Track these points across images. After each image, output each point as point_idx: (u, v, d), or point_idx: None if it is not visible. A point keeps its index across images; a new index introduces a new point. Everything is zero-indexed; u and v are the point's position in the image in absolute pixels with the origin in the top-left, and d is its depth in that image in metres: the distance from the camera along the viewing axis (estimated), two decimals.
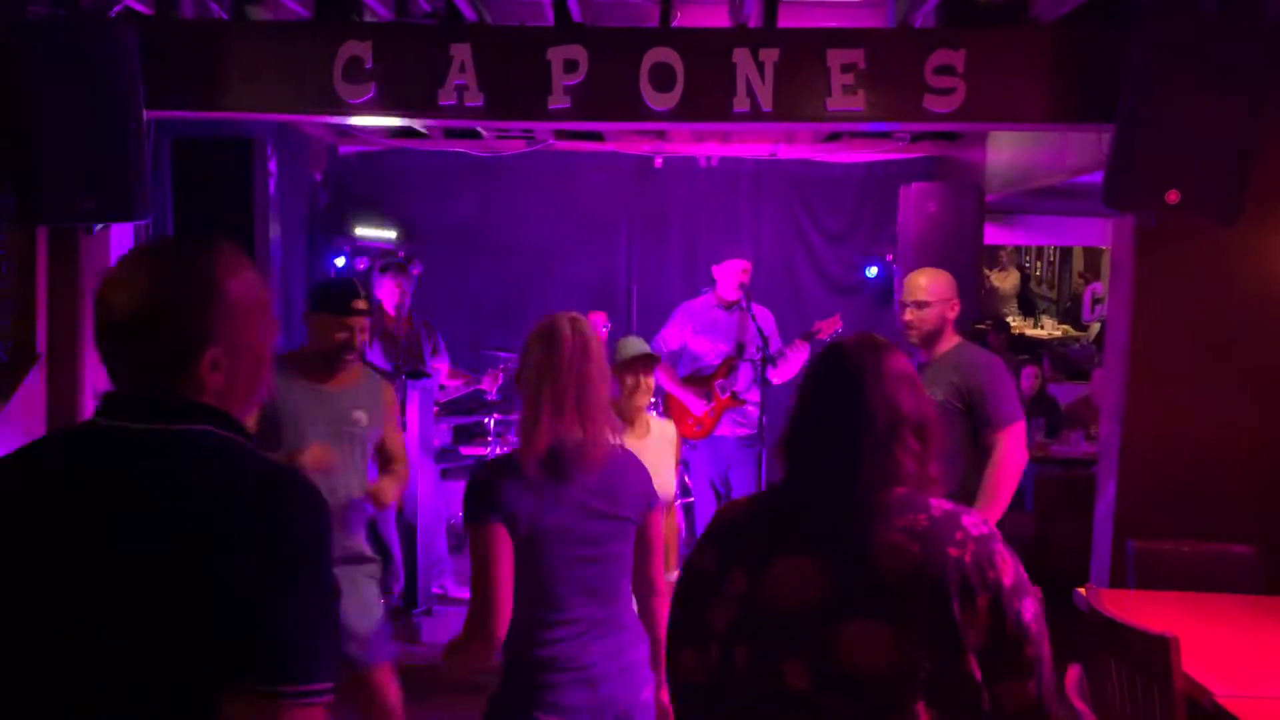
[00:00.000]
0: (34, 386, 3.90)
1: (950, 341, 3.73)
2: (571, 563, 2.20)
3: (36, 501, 1.27)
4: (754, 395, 5.29)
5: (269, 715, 1.19)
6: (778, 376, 5.23)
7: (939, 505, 1.70)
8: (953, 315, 3.74)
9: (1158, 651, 2.55)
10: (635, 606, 2.38)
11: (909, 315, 3.73)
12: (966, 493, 3.47)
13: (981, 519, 1.71)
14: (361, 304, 3.20)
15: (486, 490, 2.16)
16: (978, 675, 1.62)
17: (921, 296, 3.70)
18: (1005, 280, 10.93)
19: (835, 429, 1.74)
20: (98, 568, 1.22)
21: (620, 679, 2.23)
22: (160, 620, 1.21)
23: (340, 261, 6.12)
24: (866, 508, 1.68)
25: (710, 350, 5.48)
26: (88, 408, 3.99)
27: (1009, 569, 1.65)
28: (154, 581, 1.21)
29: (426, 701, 3.58)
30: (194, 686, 1.20)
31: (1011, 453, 3.54)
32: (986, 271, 10.18)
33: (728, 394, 5.39)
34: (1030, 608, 1.65)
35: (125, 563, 1.22)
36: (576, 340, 2.22)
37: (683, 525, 6.53)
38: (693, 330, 5.51)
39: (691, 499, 5.98)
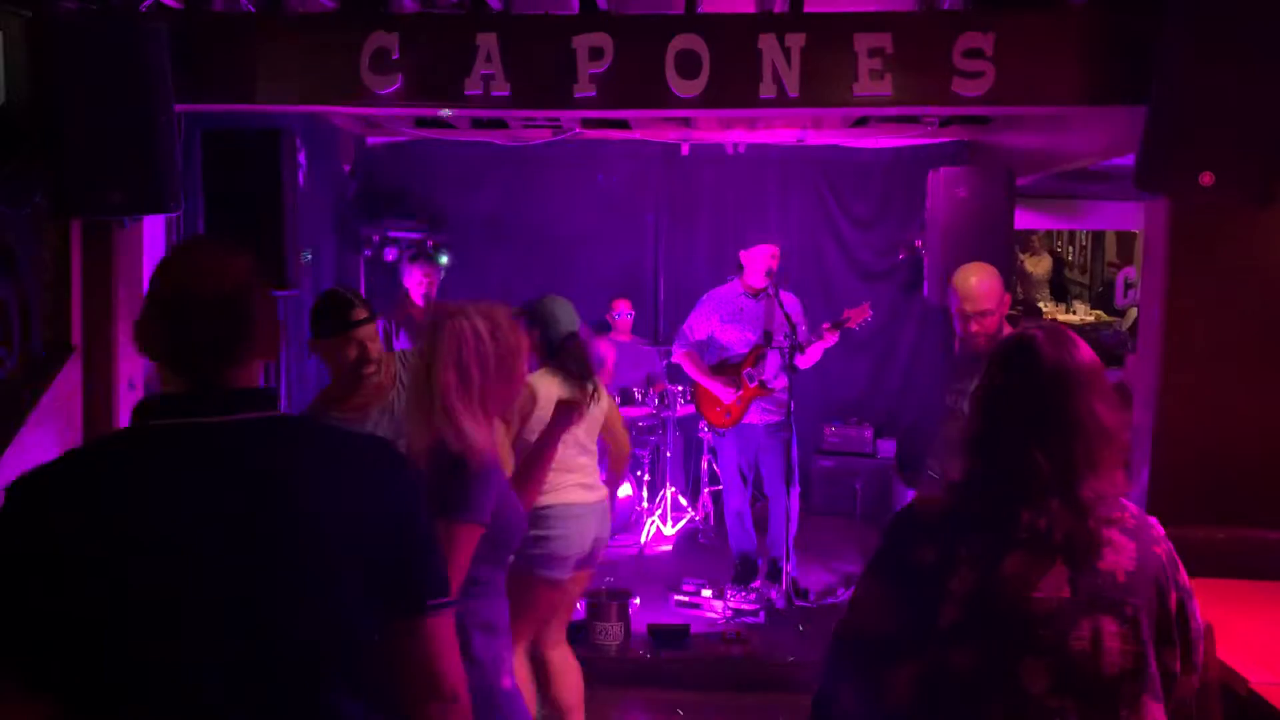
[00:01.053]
0: (70, 379, 3.95)
1: (1004, 334, 3.72)
2: None
3: (210, 489, 1.36)
4: (781, 382, 5.28)
5: (426, 629, 1.47)
6: (805, 363, 5.22)
7: (1128, 504, 1.77)
8: (1006, 310, 3.75)
9: None
10: None
11: (974, 326, 3.74)
12: None
13: (1156, 520, 1.80)
14: (360, 312, 3.10)
15: None
16: (1179, 668, 1.72)
17: (985, 305, 3.71)
18: (1038, 265, 10.83)
19: (1053, 426, 1.71)
20: (280, 540, 1.37)
21: None
22: (335, 576, 1.39)
23: (369, 253, 6.16)
24: (1089, 506, 1.71)
25: (738, 338, 5.46)
26: (122, 400, 4.04)
27: (1183, 569, 1.76)
28: (330, 545, 1.39)
29: None
30: (359, 627, 1.41)
31: None
32: (1020, 256, 10.09)
33: (756, 382, 5.38)
34: (1198, 609, 1.77)
35: (308, 532, 1.39)
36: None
37: (712, 512, 6.54)
38: (720, 319, 5.50)
39: (720, 486, 5.99)
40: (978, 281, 3.76)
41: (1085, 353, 1.77)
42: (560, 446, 3.01)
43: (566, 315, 3.58)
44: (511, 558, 2.44)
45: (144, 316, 1.45)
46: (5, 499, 1.33)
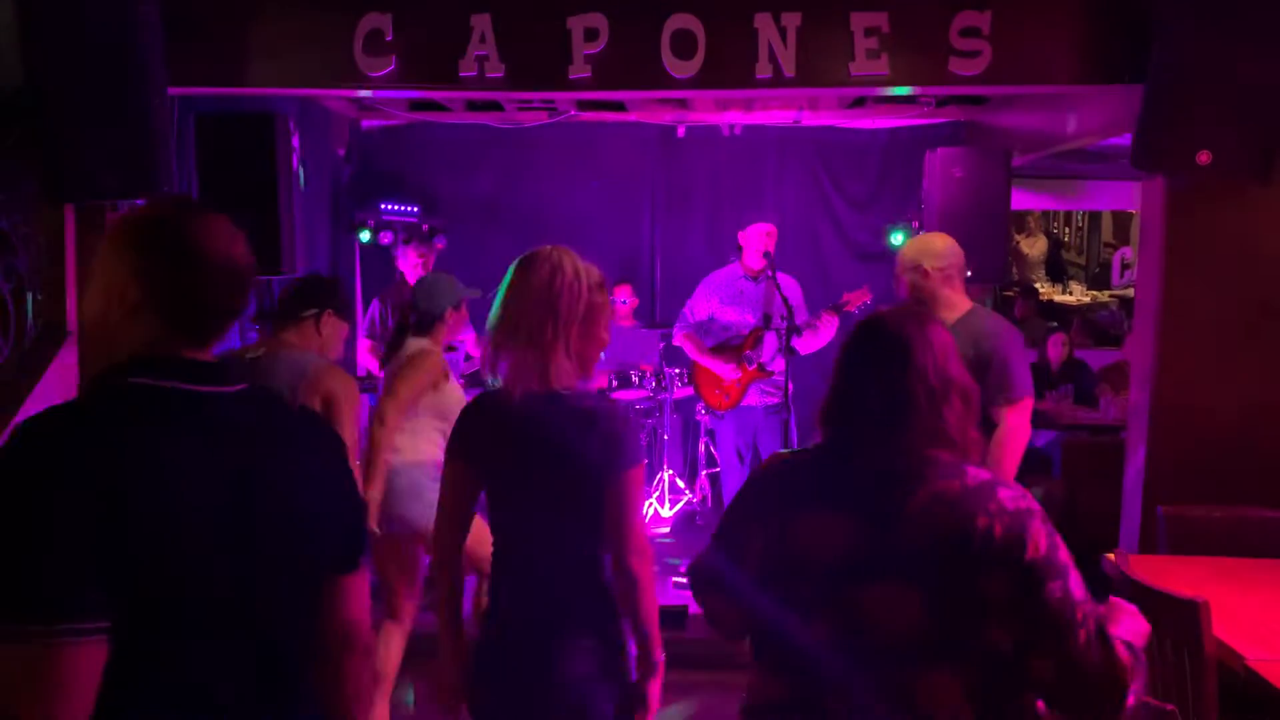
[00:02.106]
0: (66, 364, 3.94)
1: (961, 308, 3.58)
2: None
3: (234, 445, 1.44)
4: (780, 365, 5.29)
5: (355, 586, 1.61)
6: (804, 347, 5.21)
7: (975, 474, 1.71)
8: (954, 281, 3.60)
9: (1188, 616, 2.54)
10: None
11: (907, 281, 3.62)
12: None
13: (1022, 492, 1.71)
14: None
15: None
16: (1004, 646, 1.64)
17: (921, 263, 3.57)
18: (1033, 246, 10.83)
19: (885, 392, 1.75)
20: (289, 496, 1.48)
21: None
22: (308, 537, 1.51)
23: (365, 236, 6.14)
24: (907, 470, 1.71)
25: (737, 320, 5.46)
26: None
27: (1041, 546, 1.64)
28: (312, 499, 1.52)
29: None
30: (314, 582, 1.55)
31: (1019, 430, 3.42)
32: (1016, 237, 10.08)
33: (754, 364, 5.39)
34: (1057, 589, 1.63)
35: (304, 489, 1.51)
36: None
37: (709, 495, 6.55)
38: (720, 300, 5.50)
39: (718, 469, 5.99)
40: (917, 242, 3.72)
41: (938, 328, 1.82)
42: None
43: (447, 292, 3.64)
44: None
45: (154, 266, 1.44)
46: (23, 446, 1.33)
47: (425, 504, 3.29)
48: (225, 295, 1.48)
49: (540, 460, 2.12)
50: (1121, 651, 1.65)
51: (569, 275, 2.17)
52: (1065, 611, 1.63)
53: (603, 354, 2.35)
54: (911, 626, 1.65)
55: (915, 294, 3.61)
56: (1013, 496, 1.68)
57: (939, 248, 3.62)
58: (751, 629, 1.90)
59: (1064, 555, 1.67)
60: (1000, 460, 3.38)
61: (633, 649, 2.18)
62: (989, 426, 3.38)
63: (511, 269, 2.25)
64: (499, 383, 2.18)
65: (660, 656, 2.17)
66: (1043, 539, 1.65)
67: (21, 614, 1.24)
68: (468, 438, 2.22)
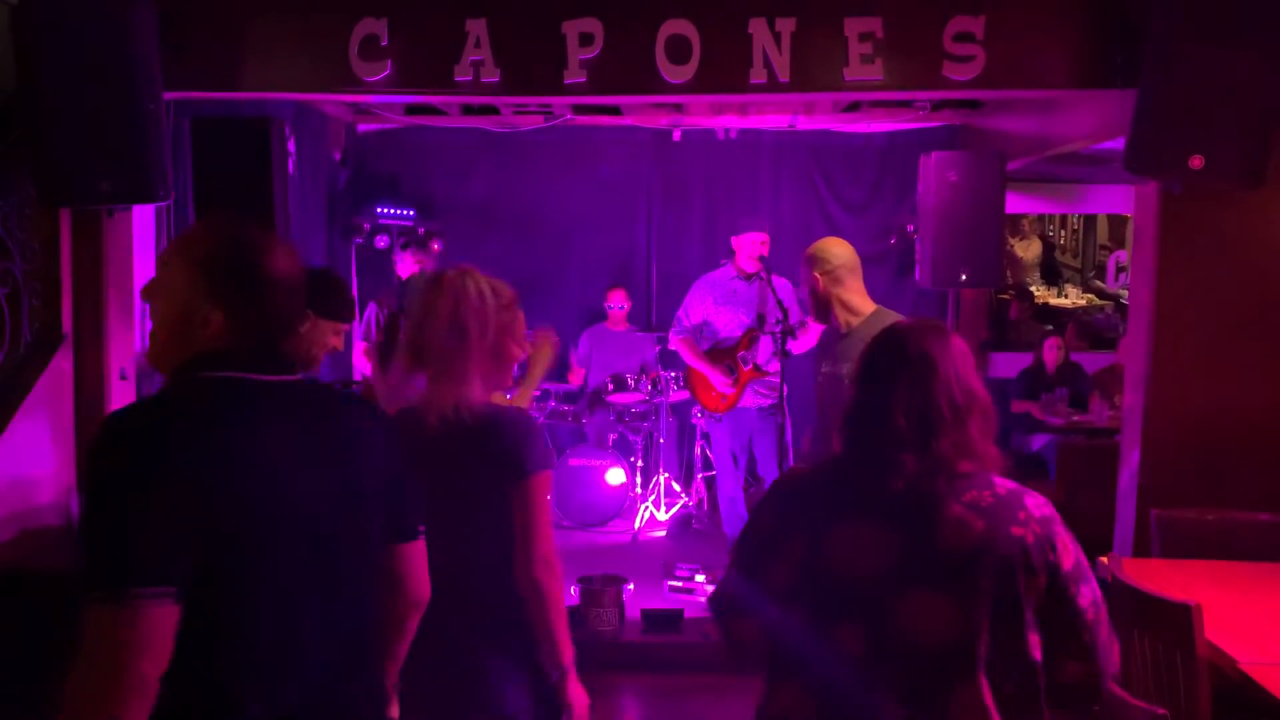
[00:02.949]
0: (61, 367, 3.95)
1: (864, 311, 3.60)
2: None
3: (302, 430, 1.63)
4: (775, 366, 5.29)
5: (416, 551, 1.84)
6: (798, 347, 5.22)
7: (1002, 483, 1.75)
8: (846, 283, 3.61)
9: (1181, 619, 2.55)
10: None
11: (806, 290, 3.68)
12: None
13: (1044, 500, 1.75)
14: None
15: None
16: (1036, 653, 1.67)
17: (810, 269, 3.63)
18: (1028, 250, 10.82)
19: (911, 407, 1.75)
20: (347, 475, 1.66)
21: None
22: (372, 512, 1.71)
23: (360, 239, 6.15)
24: (937, 482, 1.72)
25: (732, 322, 5.47)
26: (114, 388, 4.04)
27: (1069, 553, 1.70)
28: (370, 479, 1.70)
29: None
30: (379, 551, 1.76)
31: None
32: (1010, 241, 10.09)
33: (750, 366, 5.40)
34: (1086, 594, 1.70)
35: (365, 467, 1.69)
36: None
37: (705, 498, 6.56)
38: (713, 302, 5.50)
39: (714, 472, 6.00)
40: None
41: (959, 341, 1.84)
42: None
43: None
44: None
45: (260, 291, 1.60)
46: (124, 432, 1.46)
47: None
48: (290, 313, 1.66)
49: (452, 480, 2.16)
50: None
51: (474, 301, 2.22)
52: (1092, 613, 1.70)
53: (517, 366, 2.43)
54: (947, 637, 1.66)
55: (813, 301, 3.66)
56: (1037, 504, 1.73)
57: (810, 254, 3.67)
58: (774, 644, 1.87)
59: (1084, 559, 1.73)
60: None
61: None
62: None
63: (419, 290, 2.30)
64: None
65: (567, 661, 2.16)
66: (1070, 544, 1.71)
67: (126, 580, 1.38)
68: None
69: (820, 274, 3.61)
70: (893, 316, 3.64)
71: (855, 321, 3.58)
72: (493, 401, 2.26)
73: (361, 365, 5.73)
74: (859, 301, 3.62)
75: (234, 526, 1.47)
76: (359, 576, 1.69)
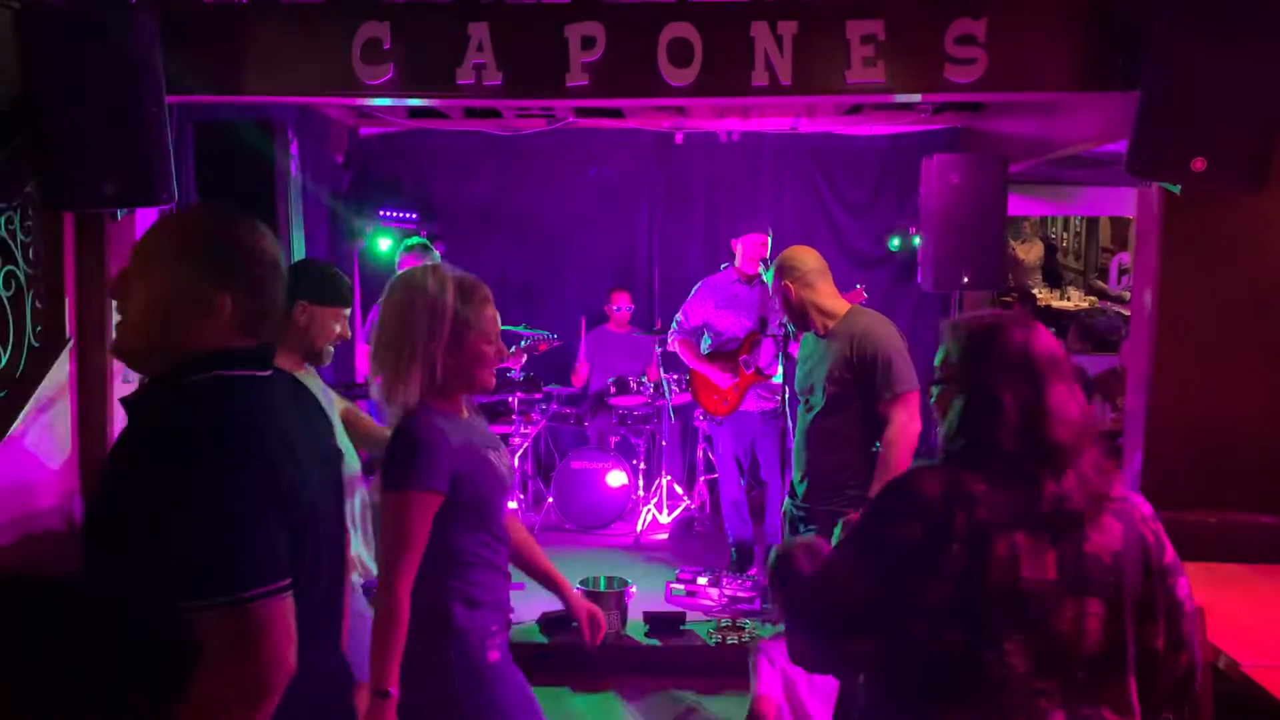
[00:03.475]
0: (65, 371, 3.95)
1: (837, 312, 3.68)
2: None
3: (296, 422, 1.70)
4: (776, 369, 5.29)
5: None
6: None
7: (1119, 486, 1.78)
8: (817, 286, 3.70)
9: None
10: None
11: (779, 301, 3.78)
12: (853, 472, 3.49)
13: (1143, 498, 1.81)
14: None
15: None
16: (1159, 645, 1.74)
17: (781, 279, 3.74)
18: (1029, 252, 10.82)
19: (1041, 411, 1.73)
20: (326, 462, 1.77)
21: None
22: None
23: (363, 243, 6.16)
24: (1078, 486, 1.71)
25: (733, 325, 5.47)
26: (117, 391, 4.04)
27: (1170, 547, 1.77)
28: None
29: None
30: None
31: (909, 424, 3.47)
32: (1011, 243, 10.09)
33: (752, 369, 5.40)
34: (1184, 585, 1.78)
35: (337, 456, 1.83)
36: None
37: (707, 500, 6.56)
38: (714, 305, 5.51)
39: (716, 475, 6.00)
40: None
41: (1046, 330, 1.84)
42: None
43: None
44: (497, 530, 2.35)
45: (259, 273, 1.63)
46: (217, 439, 1.50)
47: None
48: (280, 291, 1.68)
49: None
50: None
51: (431, 295, 2.22)
52: (1189, 604, 1.78)
53: (518, 366, 2.42)
54: (1103, 642, 1.69)
55: (787, 310, 3.76)
56: (1141, 500, 1.80)
57: (776, 268, 3.78)
58: (930, 665, 1.74)
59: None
60: (893, 456, 3.42)
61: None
62: (880, 424, 3.48)
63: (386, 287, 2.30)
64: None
65: (387, 689, 2.05)
66: (1166, 537, 1.78)
67: (242, 584, 1.45)
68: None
69: (791, 282, 3.71)
70: (868, 315, 3.72)
71: (832, 323, 3.67)
72: (424, 405, 2.21)
73: (365, 368, 5.74)
74: (833, 304, 3.72)
75: (304, 518, 1.57)
76: (346, 559, 1.82)
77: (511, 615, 2.40)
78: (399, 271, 2.29)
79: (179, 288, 1.58)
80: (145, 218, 4.43)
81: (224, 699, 1.43)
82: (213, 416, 1.52)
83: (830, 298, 3.72)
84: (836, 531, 2.22)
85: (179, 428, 1.48)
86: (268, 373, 1.66)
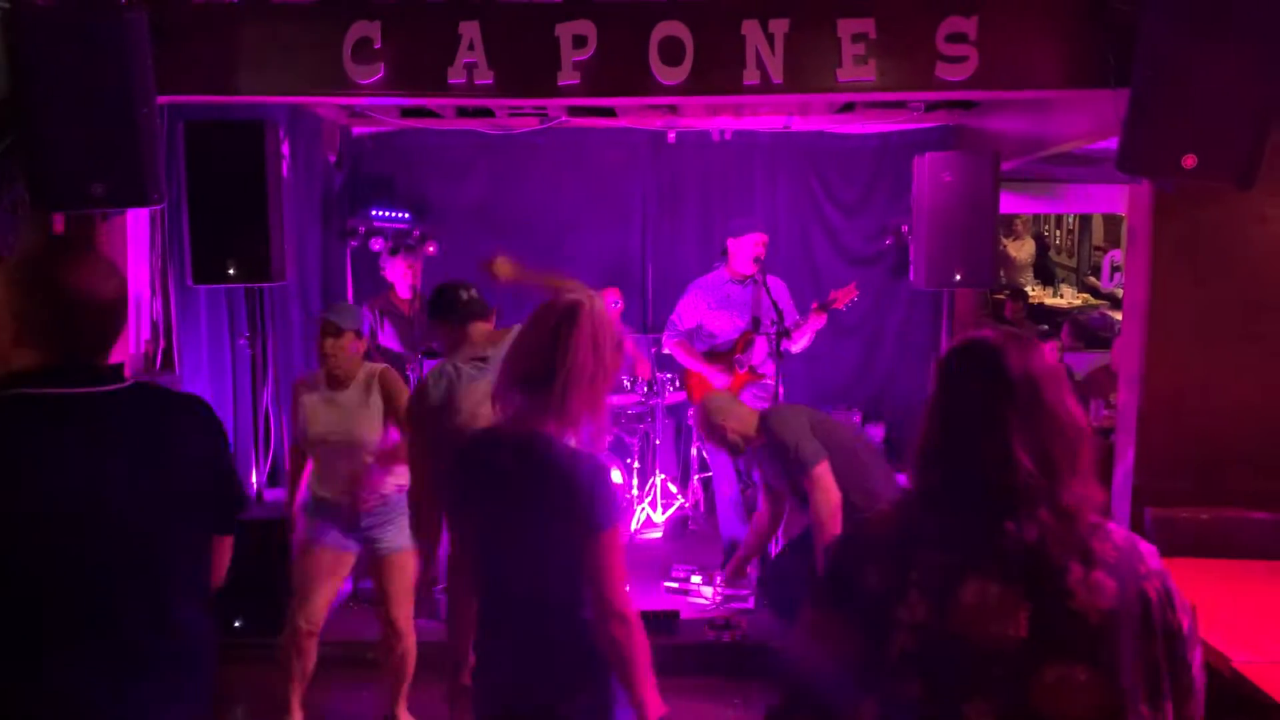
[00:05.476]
0: None
1: (751, 426, 4.10)
2: None
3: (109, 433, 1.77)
4: (770, 368, 5.29)
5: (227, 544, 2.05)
6: (795, 348, 5.23)
7: (1116, 531, 1.56)
8: (729, 422, 4.12)
9: None
10: None
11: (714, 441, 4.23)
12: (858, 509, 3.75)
13: (1153, 547, 1.57)
14: None
15: None
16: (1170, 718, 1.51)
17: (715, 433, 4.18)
18: (1021, 250, 10.85)
19: (1021, 442, 1.51)
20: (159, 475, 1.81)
21: None
22: (194, 505, 1.90)
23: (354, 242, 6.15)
24: (1066, 536, 1.50)
25: (727, 325, 5.47)
26: None
27: (1186, 611, 1.54)
28: (189, 477, 1.87)
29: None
30: (199, 544, 1.98)
31: (830, 489, 3.81)
32: (1003, 240, 10.11)
33: (746, 368, 5.39)
34: (1199, 658, 1.56)
35: (178, 468, 1.85)
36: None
37: (702, 499, 6.55)
38: (708, 306, 5.50)
39: (710, 473, 6.00)
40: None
41: (1047, 355, 1.61)
42: None
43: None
44: None
45: (38, 307, 1.72)
46: None
47: None
48: (91, 328, 1.76)
49: (523, 521, 2.10)
50: None
51: (604, 336, 2.12)
52: (1201, 680, 1.56)
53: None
54: (1089, 708, 1.47)
55: (730, 446, 4.21)
56: (1151, 553, 1.55)
57: (715, 413, 4.20)
58: None
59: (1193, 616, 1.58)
60: (827, 523, 3.77)
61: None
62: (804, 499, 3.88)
63: (541, 314, 2.15)
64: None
65: (650, 716, 2.08)
66: (1182, 600, 1.55)
67: None
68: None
69: (723, 423, 4.14)
70: (764, 415, 4.16)
71: (751, 434, 4.10)
72: (571, 445, 2.13)
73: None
74: (749, 421, 4.14)
75: (35, 532, 1.63)
76: (181, 567, 1.84)
77: None
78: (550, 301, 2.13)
79: None
80: (135, 218, 4.42)
81: None
82: None
83: (746, 418, 4.15)
84: None
85: None
86: (62, 391, 1.73)
